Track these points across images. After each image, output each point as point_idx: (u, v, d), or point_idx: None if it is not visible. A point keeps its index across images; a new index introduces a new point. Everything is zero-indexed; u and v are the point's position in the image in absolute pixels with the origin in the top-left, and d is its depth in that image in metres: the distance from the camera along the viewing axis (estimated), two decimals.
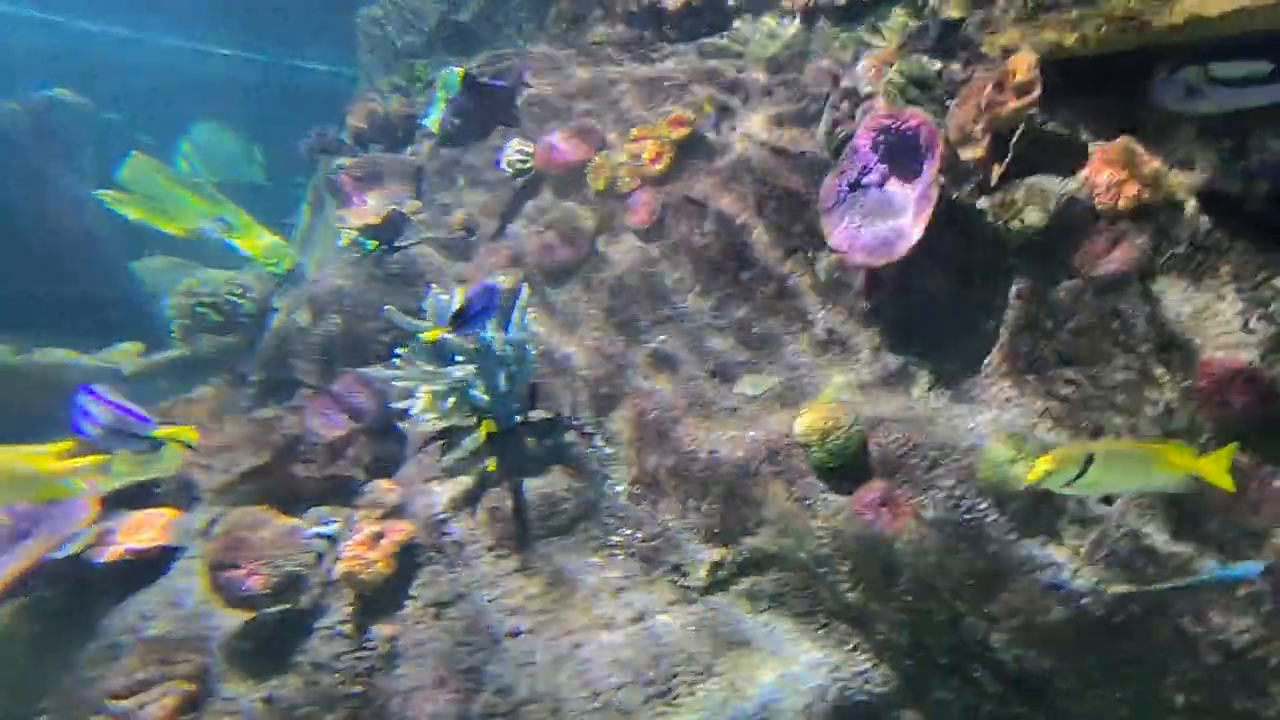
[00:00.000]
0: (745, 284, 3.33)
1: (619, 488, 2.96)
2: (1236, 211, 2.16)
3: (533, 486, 2.80)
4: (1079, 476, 1.87)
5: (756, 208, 3.38)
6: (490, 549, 2.67)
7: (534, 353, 2.99)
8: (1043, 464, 1.88)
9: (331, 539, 2.67)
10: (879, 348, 2.90)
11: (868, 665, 2.51)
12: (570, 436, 3.04)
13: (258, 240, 5.15)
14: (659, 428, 2.97)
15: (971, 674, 2.43)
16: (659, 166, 3.66)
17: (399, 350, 2.86)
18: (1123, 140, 2.38)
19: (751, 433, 2.77)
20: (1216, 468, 1.94)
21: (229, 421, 3.24)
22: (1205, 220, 2.22)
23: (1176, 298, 2.30)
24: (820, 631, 2.56)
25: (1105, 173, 2.38)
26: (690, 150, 3.65)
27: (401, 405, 2.87)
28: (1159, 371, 2.31)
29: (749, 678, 2.41)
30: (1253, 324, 2.21)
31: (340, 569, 2.55)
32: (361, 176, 4.67)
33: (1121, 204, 2.36)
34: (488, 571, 2.63)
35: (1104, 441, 1.95)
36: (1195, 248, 2.30)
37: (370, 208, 4.13)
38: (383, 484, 2.87)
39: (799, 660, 2.48)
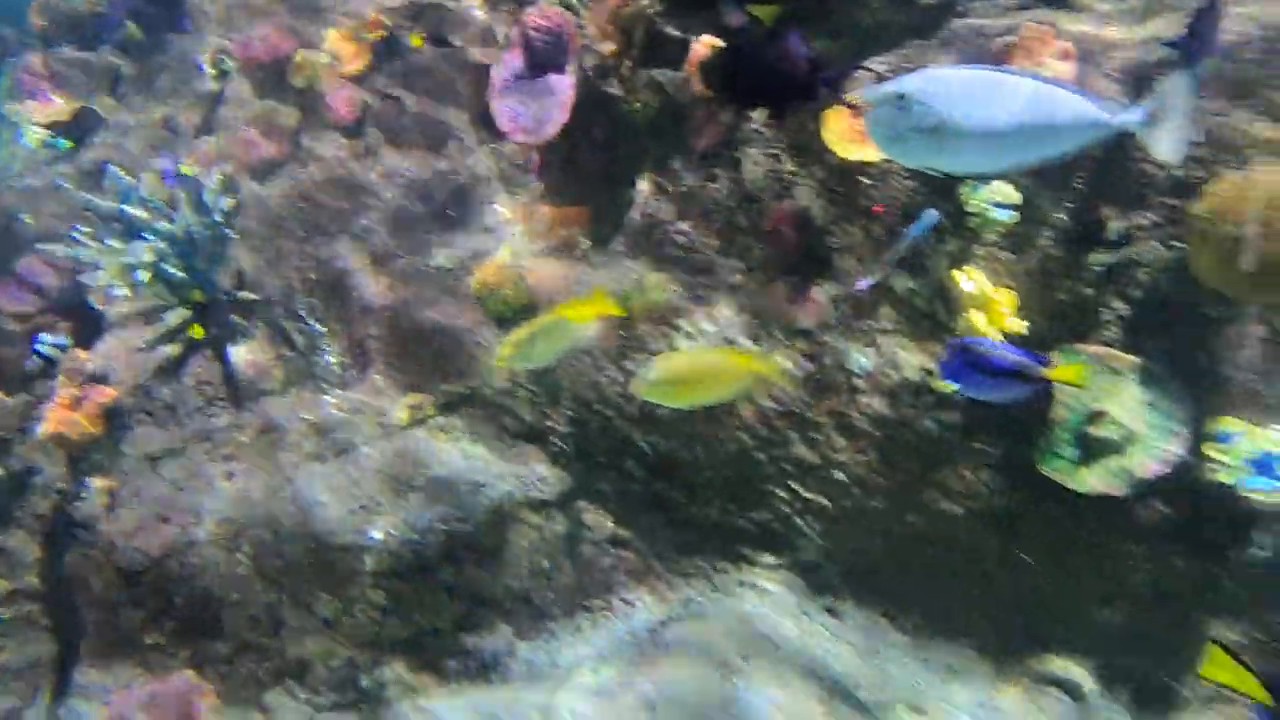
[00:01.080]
0: (443, 172, 3.72)
1: (330, 358, 3.30)
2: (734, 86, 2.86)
3: (242, 356, 3.07)
4: (530, 353, 2.31)
5: (450, 101, 3.75)
6: (200, 409, 2.93)
7: (234, 235, 3.20)
8: (504, 349, 2.34)
9: (62, 349, 2.75)
10: (553, 220, 3.43)
11: (545, 471, 3.11)
12: (281, 315, 3.32)
13: None
14: (363, 302, 3.33)
15: (624, 466, 3.10)
16: (358, 65, 3.90)
17: (80, 228, 2.96)
18: (708, 38, 3.01)
19: (445, 298, 3.22)
20: (602, 304, 2.46)
21: None
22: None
23: (752, 163, 3.01)
24: (508, 450, 3.11)
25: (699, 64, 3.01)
26: (388, 50, 3.92)
27: (90, 281, 2.98)
28: (741, 220, 3.03)
29: (445, 489, 2.92)
30: (799, 177, 2.96)
31: (46, 430, 2.70)
32: (49, 75, 4.44)
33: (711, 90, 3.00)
34: (199, 428, 2.90)
35: (536, 321, 2.38)
36: (764, 122, 3.01)
37: (59, 106, 3.98)
38: (80, 353, 2.99)
39: (490, 472, 3.03)
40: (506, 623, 2.99)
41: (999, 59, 2.66)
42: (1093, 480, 2.64)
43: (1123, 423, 2.62)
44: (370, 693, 2.68)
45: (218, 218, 3.08)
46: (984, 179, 2.65)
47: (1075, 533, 2.79)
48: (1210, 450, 2.59)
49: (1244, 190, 2.40)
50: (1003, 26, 2.81)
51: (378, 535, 2.73)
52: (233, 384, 3.00)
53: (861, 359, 2.91)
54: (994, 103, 1.79)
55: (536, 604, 3.04)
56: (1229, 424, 2.58)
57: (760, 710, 2.54)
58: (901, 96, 1.83)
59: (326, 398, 3.15)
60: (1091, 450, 2.67)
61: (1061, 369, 2.22)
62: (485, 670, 2.87)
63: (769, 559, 3.07)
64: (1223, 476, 2.56)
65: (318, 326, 3.35)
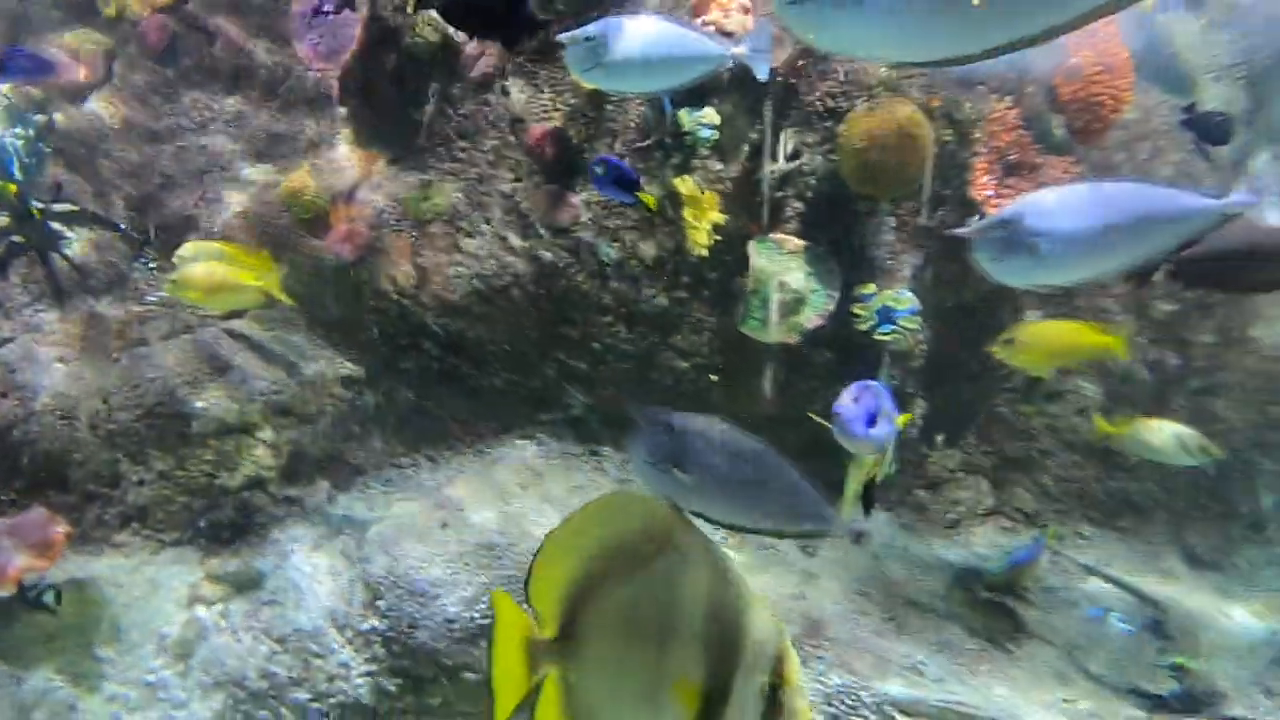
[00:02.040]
0: (254, 99, 4.12)
1: (151, 265, 3.70)
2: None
3: (63, 261, 3.42)
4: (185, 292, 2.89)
5: (258, 31, 4.14)
6: (27, 305, 3.28)
7: (48, 150, 3.51)
8: (169, 280, 2.93)
9: None
10: (353, 140, 3.94)
11: (355, 355, 3.69)
12: (99, 225, 3.67)
13: None
14: (179, 214, 3.74)
15: (422, 346, 3.72)
16: None
17: None
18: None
19: (256, 208, 3.69)
20: (263, 267, 3.10)
21: None
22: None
23: (518, 91, 3.65)
24: (320, 336, 3.66)
25: None
26: None
27: None
28: (510, 139, 3.67)
29: (262, 366, 3.45)
30: (556, 104, 3.63)
31: None
32: None
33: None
34: (29, 320, 3.26)
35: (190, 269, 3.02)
36: (527, 58, 3.64)
37: None
38: None
39: (304, 353, 3.57)
40: (324, 478, 3.58)
41: (697, 10, 3.41)
42: (775, 334, 3.53)
43: (796, 289, 3.51)
44: (206, 531, 3.21)
45: (30, 131, 3.37)
46: (657, 97, 3.38)
47: (772, 376, 3.69)
48: (855, 307, 3.53)
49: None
50: None
51: (200, 404, 3.22)
52: (56, 285, 3.34)
53: (610, 250, 3.65)
54: (649, 42, 2.51)
55: (351, 462, 3.65)
56: (867, 288, 3.53)
57: (530, 515, 3.28)
58: (589, 38, 2.51)
59: (149, 297, 3.56)
60: (775, 312, 3.56)
61: (646, 195, 2.95)
62: (307, 515, 3.46)
63: (544, 416, 3.80)
64: (862, 325, 3.51)
65: (136, 234, 3.72)
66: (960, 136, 3.50)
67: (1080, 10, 0.98)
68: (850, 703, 2.91)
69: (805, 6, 1.14)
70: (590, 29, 2.52)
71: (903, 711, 2.82)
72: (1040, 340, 2.92)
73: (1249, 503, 4.28)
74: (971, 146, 3.48)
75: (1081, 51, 3.38)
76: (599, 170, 2.80)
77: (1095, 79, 3.38)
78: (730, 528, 1.94)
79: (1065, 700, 2.94)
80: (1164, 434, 3.46)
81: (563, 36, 2.55)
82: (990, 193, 3.43)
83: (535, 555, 1.09)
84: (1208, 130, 3.90)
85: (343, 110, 3.94)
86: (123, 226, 3.68)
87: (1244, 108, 4.36)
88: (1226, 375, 4.26)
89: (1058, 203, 1.90)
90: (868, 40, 1.16)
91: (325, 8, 3.71)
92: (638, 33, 2.50)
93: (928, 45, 1.13)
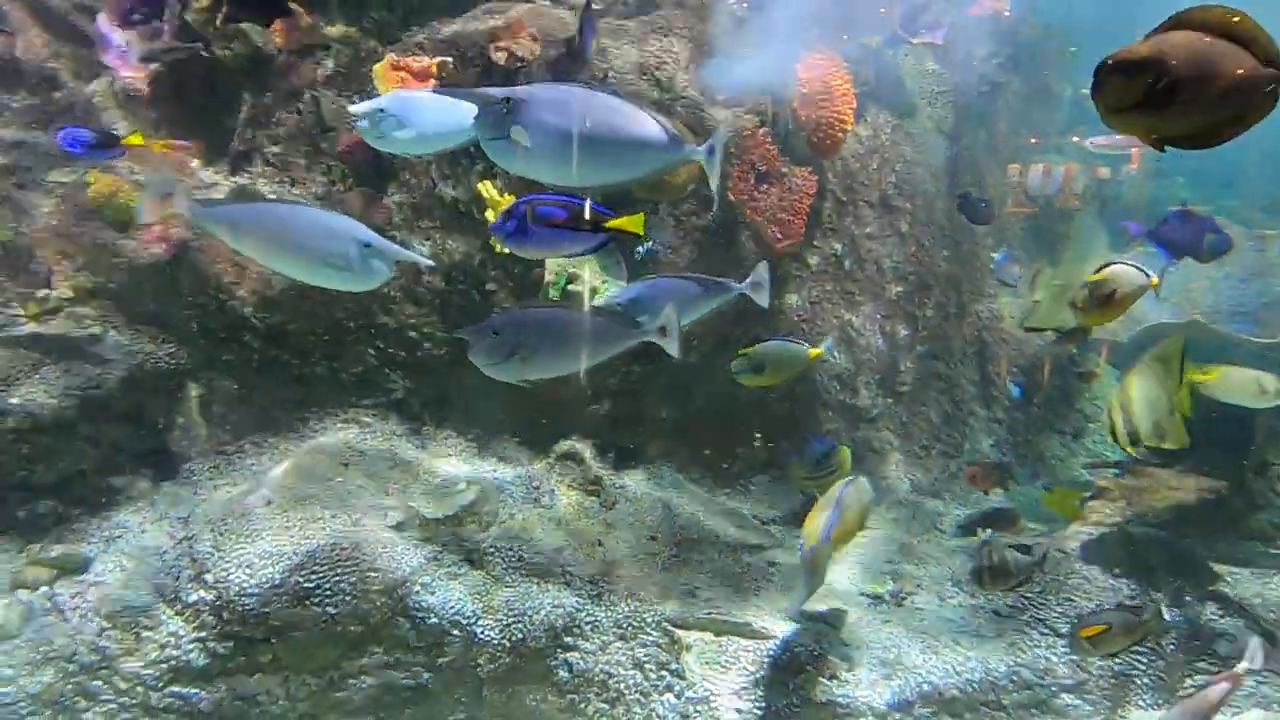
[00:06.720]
0: (60, 101, 4.15)
1: None
2: None
3: None
4: None
5: (66, 37, 4.17)
6: None
7: None
8: None
9: None
10: (168, 144, 4.08)
11: (174, 349, 3.85)
12: None
13: None
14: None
15: (243, 339, 3.94)
16: None
17: None
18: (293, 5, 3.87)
19: (66, 207, 3.77)
20: None
21: None
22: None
23: (329, 102, 3.94)
24: (138, 333, 3.80)
25: (280, 26, 3.86)
26: None
27: None
28: (323, 145, 3.96)
29: (78, 365, 3.57)
30: None
31: None
32: None
33: (289, 44, 3.88)
34: None
35: None
36: (336, 72, 3.95)
37: None
38: None
39: (121, 349, 3.70)
40: (148, 467, 3.74)
41: (493, 36, 3.86)
42: None
43: (590, 281, 4.04)
44: (27, 521, 3.32)
45: None
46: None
47: None
48: None
49: None
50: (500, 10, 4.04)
51: (15, 401, 3.32)
52: None
53: (422, 249, 4.03)
54: (427, 115, 2.87)
55: (176, 452, 3.82)
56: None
57: (352, 490, 3.61)
58: (381, 110, 2.86)
59: None
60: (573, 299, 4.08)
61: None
62: (132, 502, 3.62)
63: (367, 401, 4.12)
64: None
65: None
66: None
67: (638, 174, 1.97)
68: (636, 624, 3.47)
69: (496, 144, 2.21)
70: (381, 101, 2.87)
71: (675, 625, 3.41)
72: None
73: (972, 442, 5.27)
74: (729, 159, 4.14)
75: (810, 82, 4.12)
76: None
77: (822, 105, 4.13)
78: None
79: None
80: (1245, 378, 3.70)
81: (353, 108, 2.91)
82: (745, 196, 4.11)
83: None
84: (974, 213, 4.60)
85: (155, 114, 4.07)
86: None
87: (952, 125, 5.35)
88: (948, 343, 5.23)
89: None
90: (534, 171, 2.18)
91: (134, 16, 3.85)
92: (436, 104, 2.86)
93: (566, 178, 2.18)
